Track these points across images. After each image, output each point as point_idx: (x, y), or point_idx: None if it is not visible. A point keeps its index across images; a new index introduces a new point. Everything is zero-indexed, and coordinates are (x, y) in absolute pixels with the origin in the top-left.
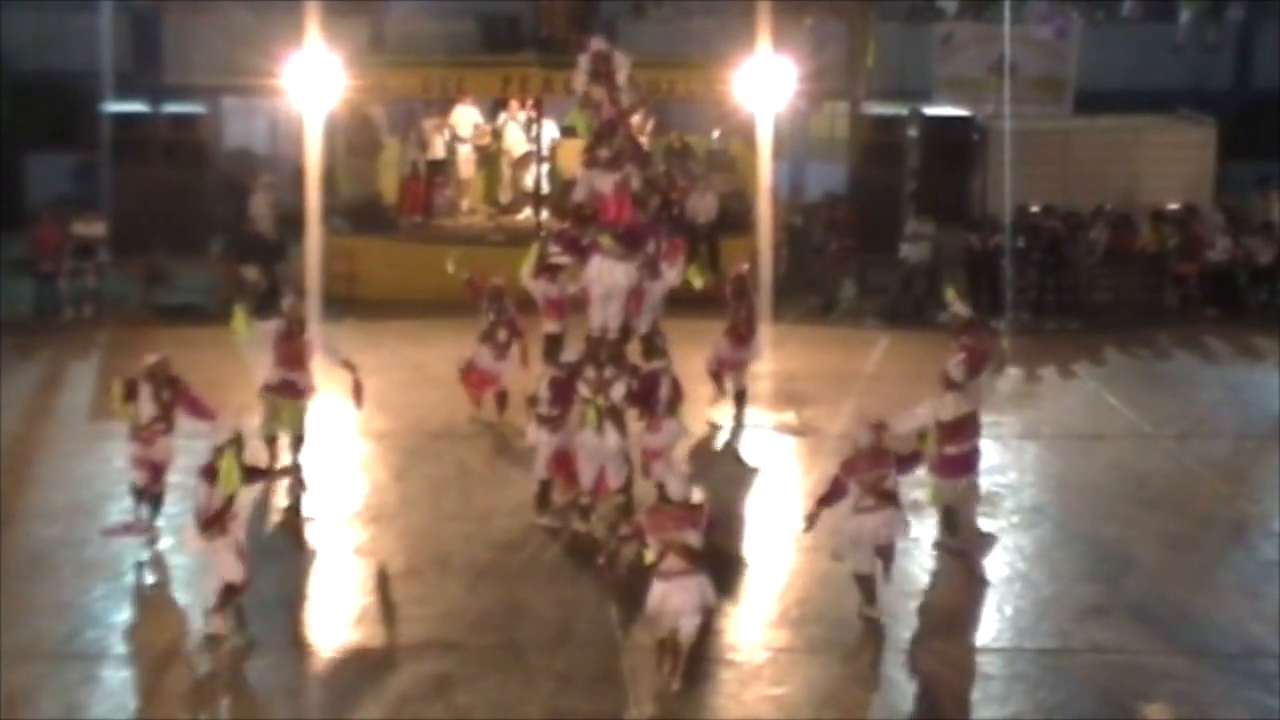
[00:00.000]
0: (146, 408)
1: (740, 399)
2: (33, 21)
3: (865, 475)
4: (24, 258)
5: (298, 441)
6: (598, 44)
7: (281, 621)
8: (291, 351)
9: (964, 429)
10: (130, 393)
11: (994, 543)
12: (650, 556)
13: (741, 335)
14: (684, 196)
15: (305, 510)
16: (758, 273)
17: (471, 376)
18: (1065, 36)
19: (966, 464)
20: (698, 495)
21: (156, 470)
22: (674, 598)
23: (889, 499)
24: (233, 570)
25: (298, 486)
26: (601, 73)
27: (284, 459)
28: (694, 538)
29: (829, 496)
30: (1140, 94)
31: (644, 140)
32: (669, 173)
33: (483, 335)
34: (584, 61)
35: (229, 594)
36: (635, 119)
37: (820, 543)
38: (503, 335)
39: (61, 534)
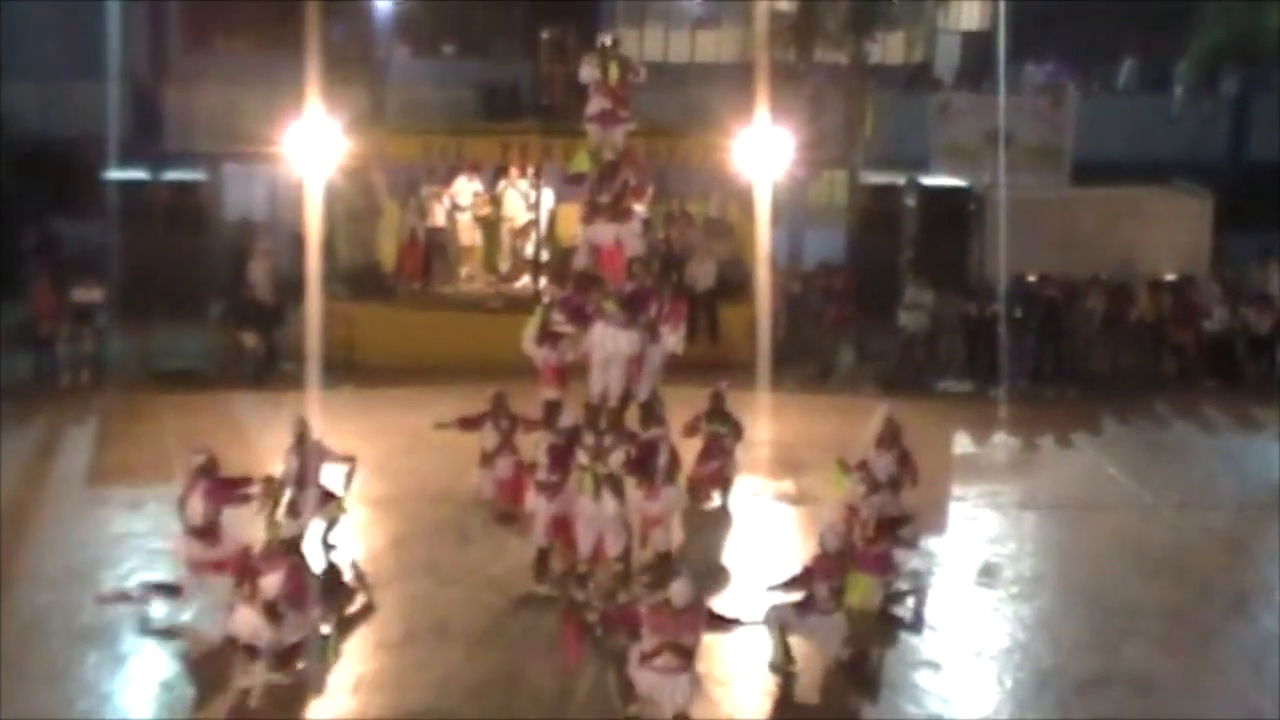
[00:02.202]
0: (200, 506)
1: (725, 486)
2: (35, 89)
3: (834, 578)
4: (23, 322)
5: (333, 523)
6: (605, 39)
7: (278, 688)
8: (307, 470)
9: (888, 527)
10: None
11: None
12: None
13: (717, 450)
14: (682, 237)
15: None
16: (756, 340)
17: (508, 493)
18: (1060, 99)
19: (891, 561)
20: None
21: (217, 568)
22: (662, 690)
23: (841, 605)
24: (248, 629)
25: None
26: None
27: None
28: (691, 640)
29: (793, 584)
30: (1136, 164)
31: (641, 207)
32: (667, 239)
33: (489, 455)
34: (592, 56)
35: (248, 652)
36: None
37: None
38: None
39: (56, 600)
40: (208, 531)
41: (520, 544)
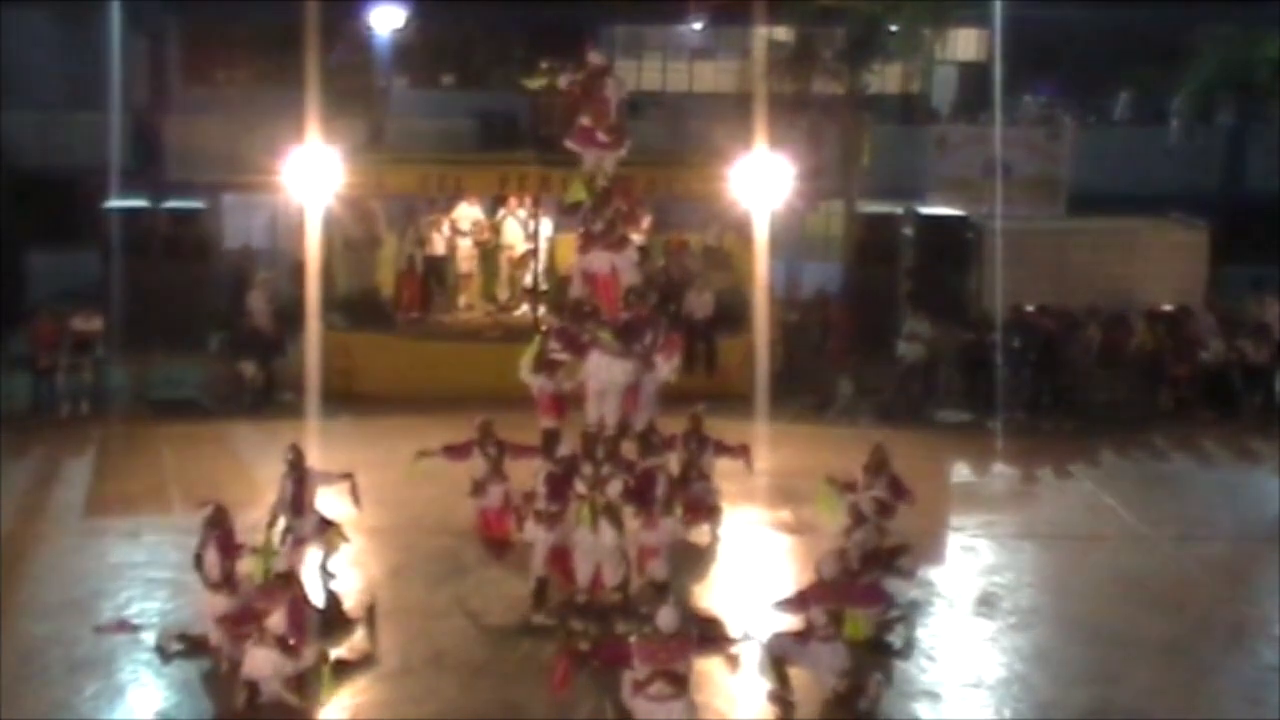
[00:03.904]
0: (216, 561)
1: (713, 514)
2: (35, 119)
3: (830, 604)
4: (22, 353)
5: (331, 551)
6: (594, 57)
7: None
8: (303, 497)
9: (874, 559)
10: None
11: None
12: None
13: (695, 473)
14: (680, 267)
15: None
16: (754, 371)
17: (494, 524)
18: (1057, 131)
19: (880, 592)
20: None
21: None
22: (657, 718)
23: (840, 632)
24: (267, 667)
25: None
26: (591, 90)
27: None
28: (683, 667)
29: (788, 605)
30: (1132, 195)
31: (639, 236)
32: (666, 268)
33: (479, 484)
34: (572, 74)
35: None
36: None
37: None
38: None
39: (53, 631)
40: (225, 584)
41: (516, 574)
